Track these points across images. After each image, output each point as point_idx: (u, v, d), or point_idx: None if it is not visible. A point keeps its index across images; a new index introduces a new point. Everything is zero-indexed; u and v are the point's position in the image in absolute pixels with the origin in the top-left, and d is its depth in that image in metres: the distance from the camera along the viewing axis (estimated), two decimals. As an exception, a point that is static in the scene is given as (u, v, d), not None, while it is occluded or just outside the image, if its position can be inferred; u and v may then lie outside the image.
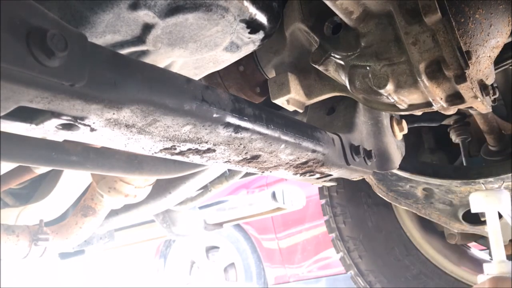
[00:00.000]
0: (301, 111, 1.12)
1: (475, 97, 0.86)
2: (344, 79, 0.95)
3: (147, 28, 0.78)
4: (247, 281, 4.34)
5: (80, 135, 0.58)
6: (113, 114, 0.55)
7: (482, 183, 1.39)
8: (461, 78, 0.80)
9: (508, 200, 0.85)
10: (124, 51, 0.81)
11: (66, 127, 0.54)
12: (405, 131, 1.29)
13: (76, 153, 1.10)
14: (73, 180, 1.57)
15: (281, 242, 4.23)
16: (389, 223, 2.03)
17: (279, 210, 2.23)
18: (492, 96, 0.97)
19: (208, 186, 1.80)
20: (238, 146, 0.77)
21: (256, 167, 0.90)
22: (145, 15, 0.75)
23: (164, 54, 0.86)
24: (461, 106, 0.90)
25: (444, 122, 1.70)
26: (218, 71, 1.12)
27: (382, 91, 0.86)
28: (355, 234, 2.07)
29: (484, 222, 1.51)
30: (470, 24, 0.82)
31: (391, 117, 1.27)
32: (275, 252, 4.26)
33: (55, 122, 0.52)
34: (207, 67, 0.97)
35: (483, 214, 1.49)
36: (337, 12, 0.83)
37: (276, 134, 0.80)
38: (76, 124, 0.54)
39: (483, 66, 0.87)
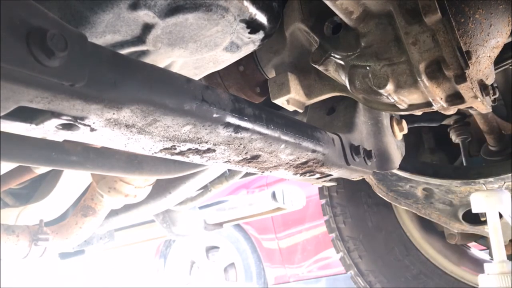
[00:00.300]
0: (301, 111, 1.12)
1: (475, 97, 0.86)
2: (344, 79, 0.95)
3: (147, 28, 0.78)
4: (247, 281, 4.34)
5: (80, 135, 0.58)
6: (113, 114, 0.55)
7: (482, 183, 1.39)
8: (461, 78, 0.80)
9: (508, 201, 0.84)
10: (124, 51, 0.81)
11: (66, 127, 0.54)
12: (405, 131, 1.29)
13: (76, 153, 1.10)
14: (73, 180, 1.57)
15: (281, 242, 4.22)
16: (389, 223, 2.03)
17: (279, 210, 2.23)
18: (492, 96, 0.97)
19: (208, 186, 1.80)
20: (238, 146, 0.77)
21: (256, 167, 0.90)
22: (145, 15, 0.75)
23: (164, 54, 0.86)
24: (461, 106, 0.90)
25: (444, 122, 1.71)
26: (218, 71, 1.12)
27: (382, 91, 0.86)
28: (355, 234, 2.07)
29: (484, 222, 1.51)
30: (470, 24, 0.82)
31: (391, 117, 1.27)
32: (275, 252, 4.26)
33: (55, 122, 0.52)
34: (207, 67, 0.97)
35: (483, 214, 1.49)
36: (337, 12, 0.83)
37: (276, 134, 0.80)
38: (76, 124, 0.54)
39: (483, 66, 0.87)
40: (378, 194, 1.66)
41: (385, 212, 2.03)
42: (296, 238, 4.16)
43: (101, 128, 0.57)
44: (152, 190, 1.53)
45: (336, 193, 2.10)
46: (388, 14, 0.82)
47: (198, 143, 0.71)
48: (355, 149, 1.05)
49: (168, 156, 0.74)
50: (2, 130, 0.51)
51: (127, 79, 0.55)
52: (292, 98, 1.06)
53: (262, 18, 0.87)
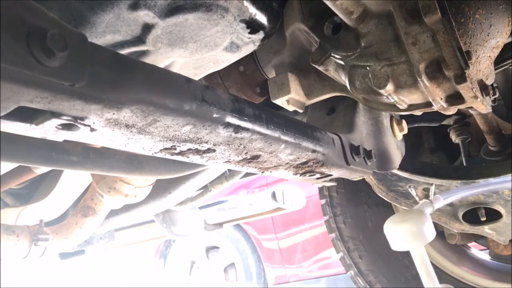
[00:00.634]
0: (301, 111, 1.12)
1: (475, 97, 0.86)
2: (344, 79, 0.95)
3: (147, 28, 0.78)
4: (247, 281, 4.34)
5: (80, 135, 0.58)
6: (113, 114, 0.55)
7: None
8: (461, 78, 0.80)
9: (429, 219, 0.68)
10: (124, 51, 0.81)
11: (66, 127, 0.54)
12: (405, 131, 1.29)
13: (76, 153, 1.10)
14: (73, 180, 1.57)
15: (281, 242, 4.23)
16: (389, 223, 2.03)
17: (279, 210, 2.23)
18: (492, 96, 0.97)
19: (208, 186, 1.80)
20: (238, 146, 0.77)
21: (256, 167, 0.90)
22: (145, 15, 0.75)
23: (164, 54, 0.86)
24: (461, 106, 0.90)
25: (444, 122, 1.70)
26: (218, 71, 1.12)
27: (382, 91, 0.86)
28: (355, 234, 2.07)
29: (484, 222, 1.51)
30: (470, 24, 0.82)
31: (391, 117, 1.27)
32: (275, 252, 4.26)
33: (55, 122, 0.52)
34: (207, 67, 0.97)
35: (483, 214, 1.49)
36: (337, 12, 0.83)
37: (276, 134, 0.80)
38: (76, 124, 0.54)
39: (483, 66, 0.87)
40: (378, 194, 1.66)
41: (385, 212, 2.03)
42: (296, 238, 4.16)
43: (101, 128, 0.57)
44: (152, 190, 1.53)
45: (336, 193, 2.10)
46: (388, 14, 0.82)
47: (198, 143, 0.71)
48: (355, 149, 1.05)
49: (168, 156, 0.74)
50: (2, 130, 0.51)
51: (127, 79, 0.55)
52: (292, 98, 1.06)
53: (262, 18, 0.87)
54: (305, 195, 2.35)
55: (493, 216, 1.49)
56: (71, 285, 5.81)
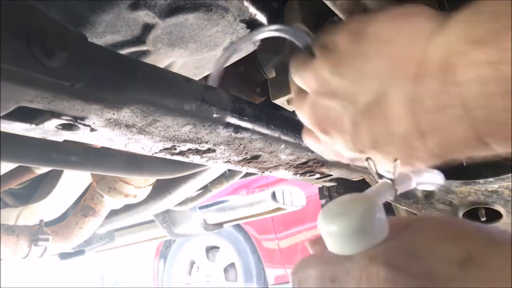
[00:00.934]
0: (301, 111, 1.12)
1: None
2: (344, 79, 0.95)
3: (147, 28, 0.78)
4: (247, 281, 4.34)
5: (80, 135, 0.58)
6: (113, 114, 0.55)
7: (482, 183, 1.39)
8: (461, 78, 0.79)
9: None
10: (124, 51, 0.81)
11: (66, 127, 0.54)
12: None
13: (76, 153, 1.10)
14: (73, 180, 1.57)
15: (281, 242, 4.22)
16: (389, 223, 2.03)
17: (279, 210, 2.23)
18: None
19: (208, 186, 1.80)
20: (238, 146, 0.77)
21: (256, 167, 0.90)
22: (145, 15, 0.75)
23: (164, 54, 0.86)
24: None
25: (444, 122, 1.70)
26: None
27: (382, 91, 0.86)
28: (355, 234, 2.07)
29: (484, 222, 1.51)
30: (470, 24, 0.81)
31: (391, 117, 1.27)
32: (275, 252, 4.25)
33: (55, 122, 0.52)
34: (207, 67, 0.97)
35: (483, 214, 1.49)
36: (337, 12, 0.83)
37: (276, 134, 0.80)
38: (76, 124, 0.54)
39: (483, 66, 0.87)
40: (378, 194, 1.65)
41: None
42: (296, 238, 4.16)
43: (101, 128, 0.57)
44: (152, 190, 1.53)
45: (336, 193, 2.10)
46: (388, 14, 0.82)
47: (198, 143, 0.71)
48: (355, 149, 1.05)
49: (168, 156, 0.74)
50: (2, 130, 0.51)
51: (127, 79, 0.55)
52: (292, 98, 1.06)
53: (262, 18, 0.87)
54: (305, 195, 2.34)
55: (493, 216, 1.49)
56: (70, 285, 5.81)
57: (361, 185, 2.00)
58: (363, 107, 0.48)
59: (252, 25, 0.87)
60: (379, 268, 0.38)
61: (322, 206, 2.13)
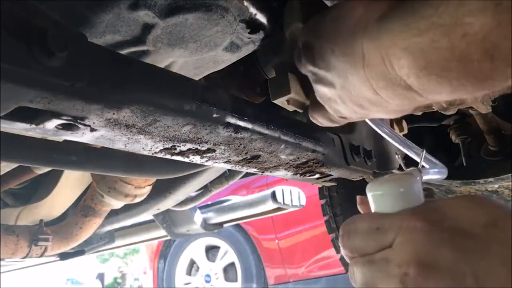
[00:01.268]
0: (301, 111, 1.12)
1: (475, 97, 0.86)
2: (344, 79, 0.95)
3: (147, 28, 0.78)
4: (247, 281, 4.33)
5: (80, 135, 0.58)
6: (113, 114, 0.55)
7: (482, 183, 1.39)
8: (461, 78, 0.79)
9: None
10: (124, 51, 0.81)
11: (66, 127, 0.54)
12: (405, 131, 1.29)
13: (76, 153, 1.10)
14: (73, 180, 1.57)
15: (281, 242, 4.22)
16: (389, 223, 2.03)
17: (279, 210, 2.23)
18: (492, 96, 0.97)
19: (208, 186, 1.80)
20: (238, 146, 0.77)
21: (256, 167, 0.90)
22: (145, 15, 0.75)
23: (164, 54, 0.86)
24: (461, 106, 0.90)
25: (444, 122, 1.70)
26: (218, 71, 1.12)
27: (382, 91, 0.86)
28: (355, 234, 2.06)
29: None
30: (470, 24, 0.81)
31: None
32: (275, 252, 4.25)
33: (55, 122, 0.52)
34: (207, 67, 0.97)
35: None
36: (337, 12, 0.83)
37: (276, 134, 0.80)
38: (76, 124, 0.54)
39: (483, 66, 0.87)
40: (378, 194, 1.65)
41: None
42: (296, 238, 4.16)
43: (101, 128, 0.57)
44: (152, 190, 1.53)
45: (336, 193, 2.10)
46: (388, 14, 0.82)
47: (198, 143, 0.71)
48: (355, 149, 1.05)
49: (168, 156, 0.74)
50: (2, 130, 0.51)
51: (127, 79, 0.55)
52: (292, 98, 1.06)
53: (262, 18, 0.87)
54: (305, 195, 2.34)
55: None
56: (70, 285, 5.80)
57: (361, 185, 2.00)
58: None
59: (252, 25, 0.87)
60: (418, 220, 0.47)
61: (322, 206, 2.13)
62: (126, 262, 11.93)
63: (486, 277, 0.42)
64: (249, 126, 0.74)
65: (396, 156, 0.69)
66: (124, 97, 0.54)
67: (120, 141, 0.64)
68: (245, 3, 0.81)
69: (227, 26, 0.82)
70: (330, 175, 1.04)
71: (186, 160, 0.77)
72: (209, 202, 2.33)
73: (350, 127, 1.11)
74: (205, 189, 1.82)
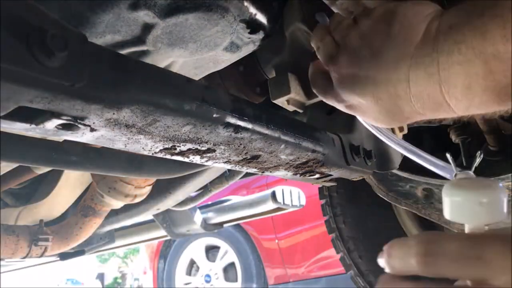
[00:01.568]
0: (301, 111, 1.12)
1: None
2: (344, 79, 0.95)
3: (147, 28, 0.78)
4: (247, 281, 4.34)
5: (80, 135, 0.58)
6: (113, 114, 0.55)
7: (482, 183, 1.39)
8: (461, 78, 0.79)
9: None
10: (124, 51, 0.81)
11: (66, 127, 0.54)
12: (405, 131, 1.29)
13: (76, 153, 1.10)
14: (73, 180, 1.57)
15: (281, 242, 4.23)
16: (389, 223, 2.03)
17: (279, 210, 2.23)
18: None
19: (208, 186, 1.80)
20: (238, 146, 0.77)
21: (256, 167, 0.90)
22: (145, 15, 0.75)
23: (164, 54, 0.86)
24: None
25: (444, 122, 1.70)
26: (218, 71, 1.12)
27: (382, 91, 0.86)
28: (355, 234, 2.06)
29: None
30: (470, 24, 0.81)
31: (391, 117, 1.27)
32: (275, 252, 4.25)
33: (55, 122, 0.52)
34: (207, 67, 0.97)
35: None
36: (337, 12, 0.83)
37: (276, 134, 0.80)
38: (76, 124, 0.54)
39: (483, 66, 0.87)
40: (378, 194, 1.66)
41: (385, 212, 2.03)
42: (296, 238, 4.16)
43: (101, 128, 0.57)
44: (152, 190, 1.53)
45: (336, 193, 2.10)
46: (388, 14, 0.82)
47: (198, 143, 0.71)
48: (355, 149, 1.05)
49: (168, 156, 0.74)
50: (2, 130, 0.51)
51: (127, 79, 0.55)
52: (292, 98, 1.06)
53: (262, 18, 0.87)
54: (305, 195, 2.34)
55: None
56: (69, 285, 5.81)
57: (361, 185, 2.00)
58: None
59: (252, 25, 0.87)
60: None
61: (322, 206, 2.13)
62: (126, 262, 11.94)
63: None
64: (249, 126, 0.74)
65: (447, 156, 0.66)
66: (124, 97, 0.54)
67: (120, 141, 0.64)
68: (245, 3, 0.81)
69: (227, 26, 0.82)
70: (330, 175, 1.04)
71: (186, 160, 0.77)
72: (209, 202, 2.33)
73: (350, 127, 1.11)
74: (205, 189, 1.82)
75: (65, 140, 0.60)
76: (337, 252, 2.11)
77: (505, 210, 0.47)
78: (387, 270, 0.50)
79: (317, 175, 1.02)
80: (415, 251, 0.47)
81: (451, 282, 0.46)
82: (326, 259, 3.93)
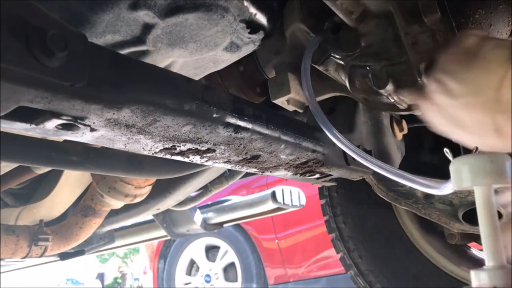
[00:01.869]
0: (301, 111, 1.12)
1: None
2: (344, 79, 0.95)
3: (147, 28, 0.78)
4: (247, 281, 4.33)
5: (80, 135, 0.58)
6: (113, 114, 0.55)
7: (482, 183, 1.39)
8: (461, 78, 0.79)
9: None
10: (124, 51, 0.81)
11: (66, 127, 0.54)
12: (405, 131, 1.29)
13: (76, 153, 1.10)
14: (73, 180, 1.57)
15: (281, 242, 4.22)
16: (389, 223, 2.03)
17: (279, 210, 2.23)
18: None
19: (208, 186, 1.80)
20: (238, 146, 0.77)
21: (256, 167, 0.90)
22: (145, 15, 0.75)
23: (164, 54, 0.86)
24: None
25: (444, 122, 1.70)
26: (218, 71, 1.12)
27: (382, 91, 0.86)
28: (355, 234, 2.06)
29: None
30: (470, 24, 0.82)
31: (391, 117, 1.27)
32: (275, 252, 4.25)
33: (55, 122, 0.52)
34: (207, 67, 0.97)
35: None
36: (337, 12, 0.83)
37: (276, 134, 0.80)
38: (76, 124, 0.54)
39: (483, 66, 0.87)
40: (378, 194, 1.66)
41: (385, 212, 2.03)
42: (296, 238, 4.15)
43: (101, 128, 0.57)
44: (152, 190, 1.53)
45: (336, 193, 2.10)
46: (388, 14, 0.82)
47: (198, 143, 0.71)
48: (355, 149, 1.05)
49: (168, 156, 0.74)
50: (2, 130, 0.51)
51: (127, 79, 0.55)
52: (292, 98, 1.06)
53: (262, 18, 0.87)
54: (305, 195, 2.34)
55: (493, 216, 1.49)
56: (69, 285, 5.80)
57: (361, 185, 2.00)
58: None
59: (252, 25, 0.87)
60: None
61: (322, 206, 2.13)
62: (126, 262, 11.95)
63: None
64: (249, 126, 0.74)
65: (446, 153, 0.69)
66: (124, 97, 0.54)
67: (120, 141, 0.64)
68: (245, 3, 0.81)
69: (227, 26, 0.82)
70: (330, 175, 1.04)
71: (186, 160, 0.77)
72: (209, 202, 2.32)
73: (350, 127, 1.11)
74: (205, 189, 1.82)
75: (65, 140, 0.60)
76: (337, 252, 2.11)
77: (509, 173, 0.51)
78: None
79: (317, 175, 1.02)
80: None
81: None
82: (326, 259, 3.93)
